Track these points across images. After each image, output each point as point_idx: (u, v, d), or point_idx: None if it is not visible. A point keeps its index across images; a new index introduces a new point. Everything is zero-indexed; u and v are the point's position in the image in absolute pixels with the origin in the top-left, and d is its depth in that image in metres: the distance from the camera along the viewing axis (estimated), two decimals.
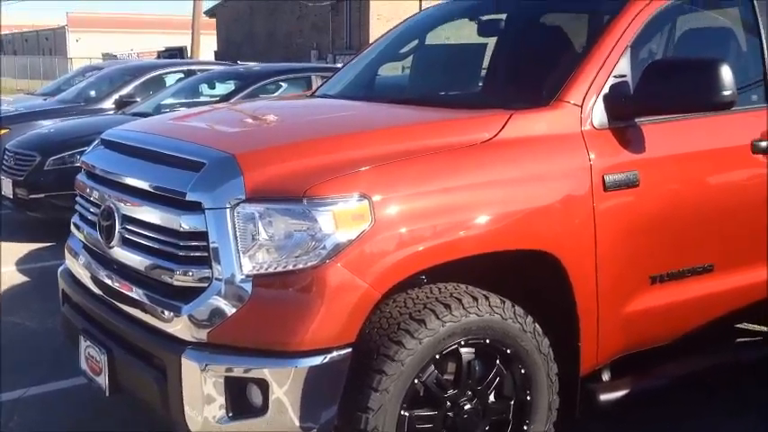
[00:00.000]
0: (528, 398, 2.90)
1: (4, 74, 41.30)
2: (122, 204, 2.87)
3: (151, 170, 2.82)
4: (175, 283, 2.63)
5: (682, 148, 3.16)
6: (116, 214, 2.88)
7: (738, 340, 4.19)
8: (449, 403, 2.74)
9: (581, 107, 2.96)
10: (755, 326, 4.04)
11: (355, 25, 30.69)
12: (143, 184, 2.81)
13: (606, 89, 3.01)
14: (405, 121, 3.07)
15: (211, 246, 2.53)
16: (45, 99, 11.05)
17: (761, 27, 3.43)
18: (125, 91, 9.74)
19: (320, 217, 2.48)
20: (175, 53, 31.39)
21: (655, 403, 3.56)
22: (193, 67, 10.58)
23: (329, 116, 3.37)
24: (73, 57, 44.85)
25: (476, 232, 2.71)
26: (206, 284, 2.55)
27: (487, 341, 2.77)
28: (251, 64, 12.12)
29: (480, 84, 3.86)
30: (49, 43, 61.29)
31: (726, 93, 2.87)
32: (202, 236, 2.55)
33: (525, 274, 2.96)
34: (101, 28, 56.89)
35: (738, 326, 3.85)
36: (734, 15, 3.59)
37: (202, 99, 9.14)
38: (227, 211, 2.51)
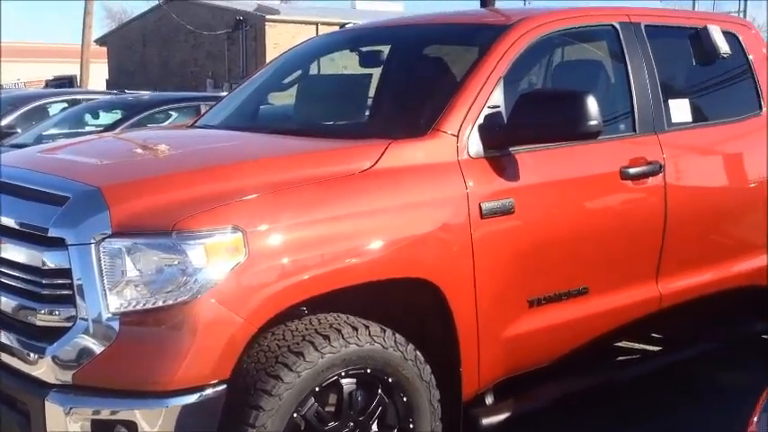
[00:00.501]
0: (411, 425, 2.90)
1: None
2: None
3: (15, 206, 2.70)
4: (39, 323, 2.51)
5: (554, 176, 3.26)
6: None
7: (620, 359, 4.37)
8: None
9: (457, 137, 3.02)
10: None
11: (251, 54, 30.60)
12: (7, 221, 2.68)
13: (481, 119, 3.08)
14: (281, 152, 3.05)
15: (76, 283, 2.43)
16: None
17: (627, 59, 3.59)
18: (5, 122, 9.33)
19: (190, 251, 2.41)
20: (65, 82, 30.39)
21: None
22: (78, 97, 10.24)
23: (205, 147, 3.32)
24: None
25: (354, 262, 2.70)
26: (71, 324, 2.44)
27: (368, 371, 2.76)
28: (139, 92, 11.85)
29: (362, 114, 3.89)
30: None
31: (592, 123, 2.99)
32: (66, 273, 2.45)
33: (407, 302, 2.98)
34: None
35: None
36: (603, 48, 3.76)
37: (87, 129, 8.84)
38: (92, 246, 2.42)
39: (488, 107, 3.11)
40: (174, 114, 8.89)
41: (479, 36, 3.42)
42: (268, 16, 31.27)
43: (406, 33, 4.04)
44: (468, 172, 2.99)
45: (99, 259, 2.41)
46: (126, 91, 13.64)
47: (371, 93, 3.99)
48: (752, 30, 4.25)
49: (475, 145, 3.05)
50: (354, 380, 2.74)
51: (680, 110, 3.74)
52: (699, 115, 3.86)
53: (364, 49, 4.00)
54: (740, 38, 4.10)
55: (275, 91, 4.15)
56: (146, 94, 10.63)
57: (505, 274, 3.08)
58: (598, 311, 3.44)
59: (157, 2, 30.30)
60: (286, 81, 4.09)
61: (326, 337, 2.65)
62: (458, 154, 3.01)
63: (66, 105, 9.96)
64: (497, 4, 12.35)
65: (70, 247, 2.43)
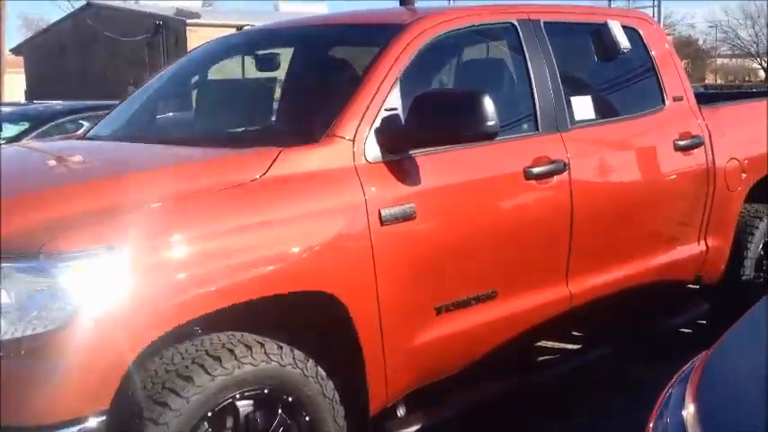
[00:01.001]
0: None
1: None
2: None
3: None
4: None
5: (457, 178, 3.18)
6: None
7: (539, 359, 4.35)
8: None
9: (353, 141, 2.91)
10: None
11: (173, 59, 30.00)
12: None
13: (378, 122, 2.98)
14: (164, 164, 2.88)
15: None
16: None
17: (527, 58, 3.54)
18: None
19: (60, 274, 2.24)
20: None
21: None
22: None
23: (85, 160, 3.12)
24: None
25: (244, 278, 2.57)
26: None
27: (266, 391, 2.62)
28: (51, 102, 11.39)
29: (260, 121, 3.74)
30: None
31: (489, 123, 2.91)
32: None
33: (307, 316, 2.85)
34: None
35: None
36: (504, 47, 3.70)
37: None
38: None
39: (385, 110, 3.01)
40: (86, 123, 8.55)
41: (376, 37, 3.32)
42: (189, 20, 30.74)
43: (307, 35, 3.92)
44: (365, 177, 2.88)
45: None
46: (35, 101, 13.13)
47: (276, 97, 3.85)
48: (653, 24, 4.27)
49: (372, 149, 2.94)
50: (252, 401, 2.60)
51: (583, 107, 3.71)
52: (602, 112, 3.85)
53: (260, 52, 3.85)
54: (641, 32, 4.11)
55: (170, 98, 3.97)
56: (56, 104, 10.21)
57: (409, 281, 2.98)
58: (508, 314, 3.38)
59: (72, 9, 29.39)
60: (181, 87, 3.92)
61: (218, 359, 2.50)
62: (354, 159, 2.89)
63: None
64: (419, 4, 12.36)
65: None
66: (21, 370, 2.25)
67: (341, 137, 2.90)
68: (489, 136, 2.98)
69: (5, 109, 9.64)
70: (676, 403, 1.90)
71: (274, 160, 2.75)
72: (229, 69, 3.97)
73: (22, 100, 26.97)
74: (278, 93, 3.89)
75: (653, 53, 4.12)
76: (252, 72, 3.97)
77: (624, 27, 3.98)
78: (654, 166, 3.99)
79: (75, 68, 34.38)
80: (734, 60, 57.28)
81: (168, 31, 31.43)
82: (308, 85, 3.65)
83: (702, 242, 4.24)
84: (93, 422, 2.29)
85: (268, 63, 3.86)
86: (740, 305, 2.68)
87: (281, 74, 3.90)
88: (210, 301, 2.50)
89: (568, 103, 3.64)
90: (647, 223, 3.97)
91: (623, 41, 3.89)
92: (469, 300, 3.23)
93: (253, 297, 2.59)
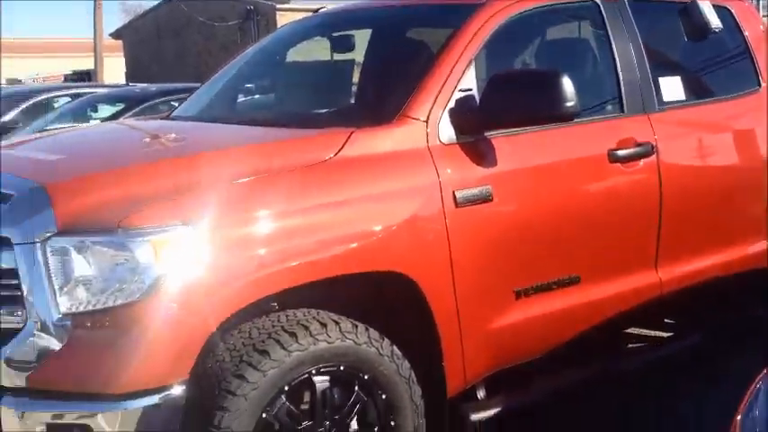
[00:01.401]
0: (392, 423, 2.79)
1: None
2: None
3: None
4: None
5: (536, 160, 3.13)
6: None
7: (628, 346, 4.24)
8: None
9: (427, 122, 2.89)
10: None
11: None
12: None
13: (452, 103, 2.95)
14: (240, 144, 2.94)
15: (23, 284, 2.35)
16: None
17: (611, 37, 3.44)
18: (7, 117, 9.31)
19: (138, 248, 2.33)
20: (83, 76, 30.54)
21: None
22: (82, 90, 10.20)
23: (164, 140, 3.21)
24: None
25: (319, 257, 2.60)
26: (21, 326, 2.37)
27: (342, 368, 2.66)
28: (145, 85, 11.79)
29: (336, 102, 3.76)
30: None
31: (567, 104, 2.85)
32: (14, 273, 2.37)
33: (382, 296, 2.87)
34: (6, 53, 54.71)
35: None
36: (587, 26, 3.61)
37: (91, 123, 8.81)
38: (38, 245, 2.34)
39: (459, 90, 2.97)
40: (177, 105, 8.82)
41: (453, 16, 3.28)
42: (278, 5, 31.13)
43: (382, 16, 3.90)
44: (439, 159, 2.86)
45: (46, 259, 2.33)
46: (130, 84, 13.61)
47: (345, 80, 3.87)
48: (744, 2, 4.07)
49: (447, 130, 2.92)
50: (328, 377, 2.64)
51: (672, 88, 3.58)
52: (693, 93, 3.71)
53: (335, 34, 3.87)
54: (733, 11, 3.93)
55: (250, 81, 4.03)
56: (150, 86, 10.57)
57: (487, 264, 2.96)
58: (592, 300, 3.30)
59: None
60: (259, 70, 3.98)
61: (293, 335, 2.55)
62: (428, 141, 2.88)
63: (69, 100, 9.93)
64: None
65: (16, 247, 2.36)
66: (100, 340, 2.36)
67: (414, 118, 2.89)
68: (568, 117, 2.91)
69: (102, 91, 10.03)
70: (766, 398, 1.83)
71: (346, 141, 2.76)
72: (307, 51, 4.00)
73: (122, 82, 28.05)
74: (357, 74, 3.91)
75: (746, 33, 3.93)
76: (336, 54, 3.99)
77: (715, 6, 3.81)
78: (749, 150, 3.82)
79: (171, 52, 35.41)
80: None
81: (259, 15, 31.91)
82: (382, 65, 3.66)
83: None
84: (170, 392, 2.38)
85: (344, 44, 3.87)
86: None
87: (360, 56, 3.92)
88: (286, 278, 2.54)
89: (656, 83, 3.51)
90: (740, 208, 3.81)
91: (714, 20, 3.73)
92: (551, 284, 3.18)
93: (328, 275, 2.62)
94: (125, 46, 39.79)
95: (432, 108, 2.90)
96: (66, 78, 31.01)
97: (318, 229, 2.60)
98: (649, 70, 3.48)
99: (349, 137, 2.77)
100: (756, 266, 3.90)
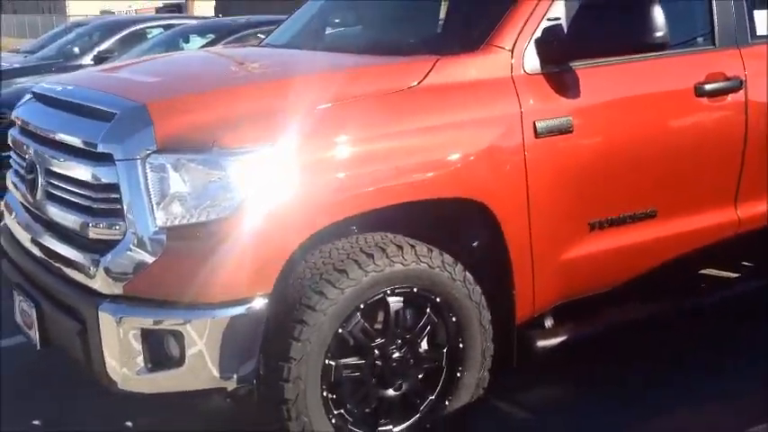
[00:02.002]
0: (461, 345, 2.89)
1: (3, 33, 40.85)
2: (43, 157, 2.86)
3: (68, 122, 2.80)
4: (91, 235, 2.62)
5: (620, 93, 3.10)
6: (38, 168, 2.87)
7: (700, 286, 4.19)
8: (377, 352, 2.74)
9: (512, 52, 2.90)
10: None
11: None
12: (61, 137, 2.79)
13: (539, 33, 2.94)
14: (328, 69, 3.02)
15: (124, 198, 2.51)
16: (26, 57, 10.94)
17: None
18: (104, 46, 9.64)
19: (230, 167, 2.45)
20: (173, 9, 31.09)
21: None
22: (174, 22, 10.44)
23: (256, 65, 3.32)
24: (71, 15, 44.31)
25: (399, 181, 2.68)
26: (120, 237, 2.54)
27: (415, 290, 2.76)
28: (234, 17, 11.94)
29: (425, 31, 3.77)
30: (47, 3, 60.54)
31: (658, 34, 2.81)
32: (115, 188, 2.53)
33: (458, 223, 2.94)
34: None
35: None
36: None
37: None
38: (139, 162, 2.48)
39: (548, 19, 2.96)
40: (263, 37, 8.94)
41: None
42: None
43: None
44: (522, 89, 2.88)
45: (145, 175, 2.48)
46: (220, 15, 13.79)
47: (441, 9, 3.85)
48: None
49: (531, 60, 2.92)
50: (401, 298, 2.76)
51: (766, 22, 3.45)
52: None
53: None
54: None
55: (337, 11, 4.08)
56: (240, 18, 10.71)
57: (563, 195, 2.98)
58: (667, 235, 3.29)
59: None
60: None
61: (370, 256, 2.66)
62: (512, 70, 2.89)
63: (162, 31, 10.18)
64: None
65: (118, 163, 2.51)
66: (193, 253, 2.51)
67: (499, 46, 2.90)
68: (657, 47, 2.87)
69: (193, 22, 10.24)
70: None
71: (431, 68, 2.81)
72: None
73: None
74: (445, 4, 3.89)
75: None
76: None
77: None
78: None
79: None
80: None
81: None
82: None
83: None
84: (254, 304, 2.52)
85: None
86: None
87: None
88: (365, 201, 2.64)
89: (750, 16, 3.40)
90: None
91: None
92: (625, 218, 3.18)
93: (407, 200, 2.70)
94: None
95: (518, 37, 2.91)
96: (158, 11, 31.59)
97: (399, 155, 2.67)
98: (744, 1, 3.36)
99: (434, 64, 2.81)
100: None
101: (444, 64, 2.84)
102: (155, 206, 2.48)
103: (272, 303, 2.57)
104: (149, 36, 10.48)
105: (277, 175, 2.49)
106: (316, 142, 2.57)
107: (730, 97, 3.28)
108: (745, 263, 4.15)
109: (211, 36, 8.88)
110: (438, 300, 2.81)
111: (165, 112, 2.57)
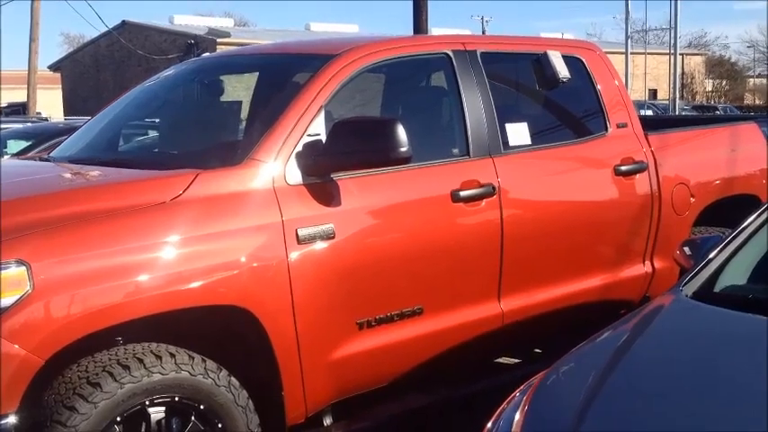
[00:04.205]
0: None
1: None
2: None
3: None
4: None
5: (380, 200, 3.35)
6: None
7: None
8: None
9: (273, 164, 3.09)
10: None
11: None
12: None
13: (300, 147, 3.16)
14: (86, 184, 3.10)
15: None
16: None
17: (460, 86, 3.69)
18: None
19: None
20: (18, 109, 30.14)
21: None
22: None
23: (15, 180, 3.34)
24: None
25: (160, 291, 2.76)
26: None
27: (177, 398, 2.80)
28: (55, 121, 11.78)
29: (200, 142, 3.92)
30: None
31: (402, 149, 3.08)
32: None
33: (224, 329, 3.03)
34: None
35: None
36: (439, 75, 3.86)
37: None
38: None
39: (308, 135, 3.19)
40: None
41: (310, 65, 3.51)
42: (219, 39, 31.35)
43: (256, 63, 4.12)
44: (284, 199, 3.06)
45: None
46: (47, 118, 13.52)
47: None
48: (596, 52, 4.38)
49: (293, 172, 3.12)
50: (163, 407, 2.78)
51: (518, 134, 3.84)
52: (541, 138, 3.97)
53: (207, 80, 4.07)
54: (584, 61, 4.23)
55: (131, 120, 4.18)
56: (59, 122, 10.60)
57: (328, 298, 3.14)
58: (435, 330, 3.51)
59: (108, 28, 30.20)
60: (139, 111, 4.13)
61: (126, 367, 2.69)
62: (273, 182, 3.08)
63: None
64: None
65: None
66: None
67: (260, 160, 3.09)
68: (401, 161, 3.14)
69: (16, 126, 10.02)
70: (512, 408, 2.05)
71: (192, 181, 2.95)
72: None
73: (57, 115, 27.82)
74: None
75: (596, 81, 4.23)
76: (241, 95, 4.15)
77: (567, 57, 4.11)
78: (590, 190, 4.09)
79: (110, 85, 35.22)
80: None
81: (200, 49, 32.00)
82: (250, 111, 3.85)
83: (648, 263, 4.33)
84: (7, 421, 2.49)
85: (215, 89, 4.06)
86: None
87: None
88: (113, 313, 2.68)
89: (503, 129, 3.76)
90: (585, 244, 4.07)
91: (563, 71, 4.02)
92: (393, 316, 3.37)
93: (170, 308, 2.78)
94: (63, 78, 39.44)
95: (279, 151, 3.11)
96: (1, 111, 30.57)
97: (161, 265, 2.76)
98: (497, 117, 3.73)
99: (195, 177, 2.96)
100: (604, 298, 4.16)
101: (205, 177, 2.99)
102: None
103: (22, 421, 2.53)
104: None
105: (22, 292, 2.52)
106: (67, 257, 2.62)
107: (485, 202, 3.60)
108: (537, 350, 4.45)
109: (28, 140, 8.72)
110: (202, 407, 2.85)
111: None
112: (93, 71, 36.60)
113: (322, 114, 3.26)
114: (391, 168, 3.30)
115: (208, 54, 4.41)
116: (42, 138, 8.17)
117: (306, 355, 3.11)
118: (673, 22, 26.70)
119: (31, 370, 2.53)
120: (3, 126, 9.99)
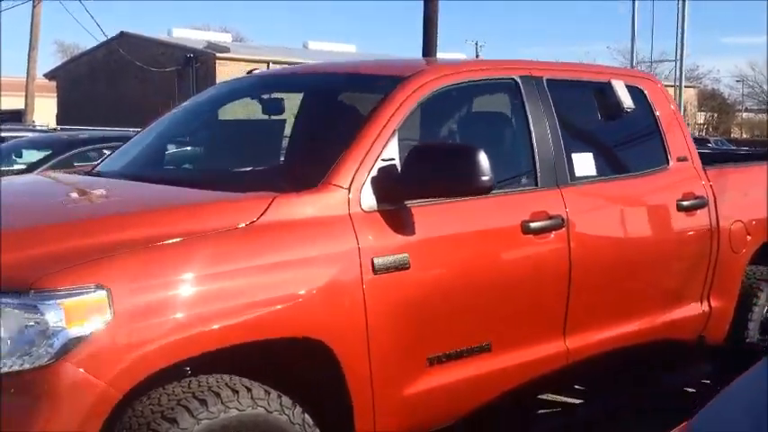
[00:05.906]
0: None
1: None
2: None
3: None
4: None
5: (452, 230, 3.22)
6: None
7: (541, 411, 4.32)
8: None
9: (349, 190, 2.96)
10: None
11: (202, 90, 30.44)
12: None
13: (375, 172, 3.03)
14: (161, 205, 2.95)
15: None
16: None
17: (528, 113, 3.59)
18: None
19: (49, 311, 2.30)
20: (14, 116, 29.92)
21: None
22: (6, 134, 9.99)
23: (82, 198, 3.20)
24: None
25: (233, 321, 2.61)
26: None
27: None
28: (75, 131, 11.61)
29: (263, 164, 3.80)
30: None
31: (483, 178, 2.96)
32: None
33: (298, 362, 2.88)
34: None
35: None
36: (505, 101, 3.76)
37: (15, 168, 8.61)
38: None
39: (383, 159, 3.06)
40: (107, 152, 8.70)
41: (379, 87, 3.39)
42: (218, 54, 31.27)
43: (314, 82, 4.00)
44: (360, 226, 2.93)
45: None
46: (59, 127, 13.36)
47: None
48: (657, 84, 4.31)
49: (368, 198, 2.99)
50: None
51: (584, 164, 3.74)
52: (604, 169, 3.88)
53: (265, 96, 3.94)
54: (646, 92, 4.15)
55: (179, 137, 4.05)
56: (79, 133, 10.43)
57: (402, 331, 3.01)
58: (502, 368, 3.38)
59: (106, 38, 30.05)
60: (190, 127, 4.00)
61: (203, 402, 2.54)
62: (349, 207, 2.94)
63: None
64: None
65: None
66: (6, 405, 2.30)
67: (336, 185, 2.96)
68: (483, 191, 3.02)
69: (30, 135, 9.84)
70: None
71: (268, 206, 2.80)
72: (238, 111, 4.05)
73: (53, 124, 27.56)
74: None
75: (657, 113, 4.15)
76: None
77: (629, 87, 4.02)
78: (655, 225, 4.00)
79: (106, 96, 35.01)
80: (759, 115, 56.82)
81: (198, 63, 31.96)
82: (311, 131, 3.73)
83: (705, 303, 4.22)
84: None
85: (274, 107, 3.94)
86: (744, 367, 2.66)
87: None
88: (196, 344, 2.53)
89: (569, 159, 3.67)
90: (650, 281, 3.96)
91: (627, 101, 3.93)
92: (462, 352, 3.24)
93: (243, 340, 2.63)
94: (59, 87, 39.19)
95: (354, 175, 2.98)
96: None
97: (235, 295, 2.61)
98: (563, 146, 3.64)
99: (271, 202, 2.81)
100: (662, 337, 4.05)
101: (281, 202, 2.85)
102: None
103: None
104: None
105: (102, 319, 2.36)
106: (147, 283, 2.47)
107: (554, 234, 3.48)
108: (578, 387, 4.35)
109: (48, 150, 8.57)
110: None
111: None
112: (89, 81, 36.36)
113: (395, 138, 3.13)
114: (462, 198, 3.17)
115: (259, 71, 4.26)
116: (59, 148, 8.02)
117: (378, 390, 2.96)
118: (678, 54, 26.77)
119: (109, 404, 2.37)
120: (13, 135, 9.80)
